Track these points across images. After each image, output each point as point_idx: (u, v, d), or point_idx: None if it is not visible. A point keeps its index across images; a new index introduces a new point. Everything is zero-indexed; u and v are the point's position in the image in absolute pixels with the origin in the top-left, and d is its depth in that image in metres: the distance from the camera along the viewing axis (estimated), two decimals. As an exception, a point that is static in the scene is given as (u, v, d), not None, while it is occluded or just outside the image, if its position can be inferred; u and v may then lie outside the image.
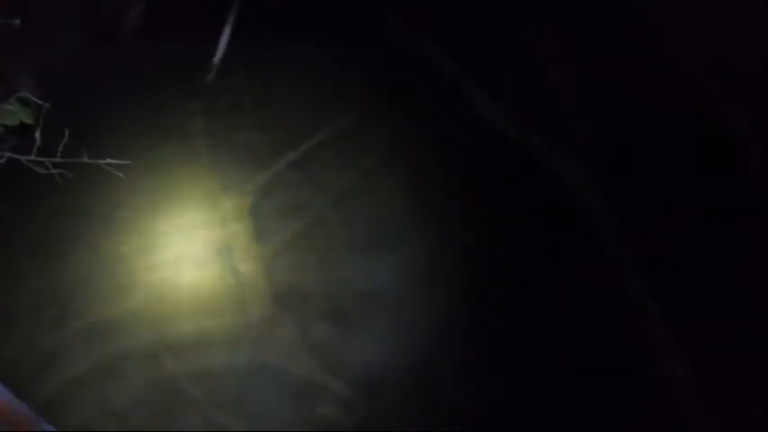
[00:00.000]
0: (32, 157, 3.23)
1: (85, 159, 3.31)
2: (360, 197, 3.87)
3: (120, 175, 3.36)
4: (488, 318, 3.39)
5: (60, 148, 3.24)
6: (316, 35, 4.47)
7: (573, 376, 3.17)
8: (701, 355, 3.17)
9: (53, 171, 3.26)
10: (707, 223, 3.49)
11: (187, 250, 3.55)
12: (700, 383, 3.11)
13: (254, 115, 4.19)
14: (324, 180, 3.93)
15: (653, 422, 3.07)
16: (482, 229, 3.71)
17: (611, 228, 3.58)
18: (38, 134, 3.24)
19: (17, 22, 3.31)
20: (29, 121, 3.24)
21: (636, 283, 3.40)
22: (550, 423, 3.06)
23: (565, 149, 3.87)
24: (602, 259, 3.51)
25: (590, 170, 3.76)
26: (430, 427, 3.09)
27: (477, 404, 3.17)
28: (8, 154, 3.22)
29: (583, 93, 4.06)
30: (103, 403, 3.10)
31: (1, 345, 3.17)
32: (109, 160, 3.35)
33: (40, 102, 3.28)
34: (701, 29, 4.02)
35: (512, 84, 4.22)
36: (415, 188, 3.90)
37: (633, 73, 4.06)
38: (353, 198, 3.86)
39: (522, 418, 3.07)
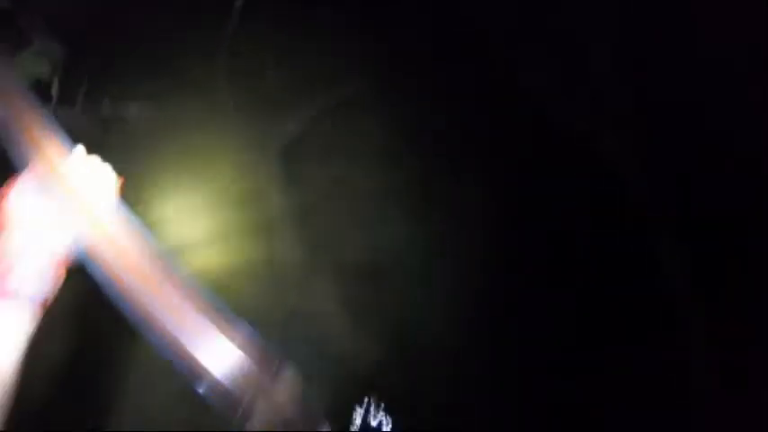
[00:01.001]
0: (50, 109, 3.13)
1: (107, 111, 3.21)
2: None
3: (142, 126, 3.27)
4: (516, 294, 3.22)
5: (80, 100, 3.14)
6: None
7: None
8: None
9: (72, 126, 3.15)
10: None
11: (217, 204, 3.42)
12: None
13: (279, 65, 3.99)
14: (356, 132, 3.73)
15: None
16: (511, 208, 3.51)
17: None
18: (55, 88, 3.13)
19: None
20: (45, 74, 3.12)
21: (680, 278, 3.19)
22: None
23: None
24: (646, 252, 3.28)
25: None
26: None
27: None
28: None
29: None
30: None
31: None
32: (130, 111, 3.24)
33: (56, 55, 3.14)
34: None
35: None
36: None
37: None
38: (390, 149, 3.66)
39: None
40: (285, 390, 1.31)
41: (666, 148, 3.47)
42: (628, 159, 3.52)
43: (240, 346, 1.30)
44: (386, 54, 4.00)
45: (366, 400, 2.76)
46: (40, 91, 3.17)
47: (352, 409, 2.76)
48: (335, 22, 4.15)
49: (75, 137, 2.94)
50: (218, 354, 1.27)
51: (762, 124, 3.18)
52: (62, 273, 1.37)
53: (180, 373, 1.15)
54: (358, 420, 2.75)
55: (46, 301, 1.33)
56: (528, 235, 3.42)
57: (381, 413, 2.74)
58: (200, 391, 1.27)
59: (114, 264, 1.31)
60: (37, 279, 1.30)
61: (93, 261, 1.32)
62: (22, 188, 1.32)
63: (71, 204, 1.32)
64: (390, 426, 2.74)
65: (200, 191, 3.47)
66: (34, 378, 1.27)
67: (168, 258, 1.36)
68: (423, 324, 3.13)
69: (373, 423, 2.75)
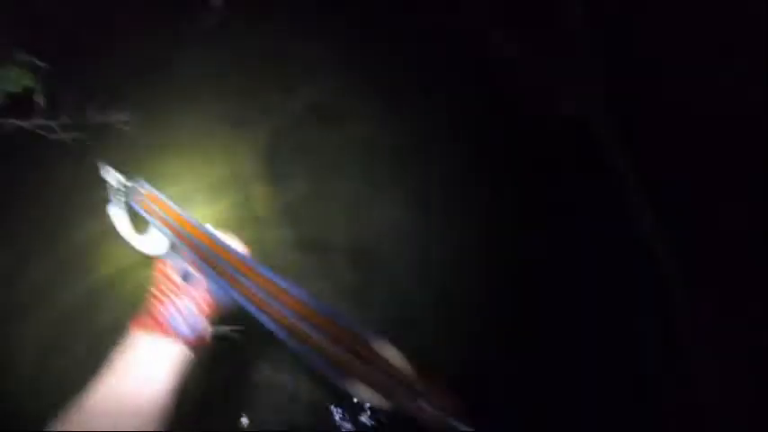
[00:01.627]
0: (40, 121, 3.13)
1: (93, 117, 3.21)
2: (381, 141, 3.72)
3: (127, 129, 3.26)
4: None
5: (66, 109, 3.14)
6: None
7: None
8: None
9: (62, 136, 3.16)
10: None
11: (208, 199, 3.44)
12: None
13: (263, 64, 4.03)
14: (342, 122, 3.78)
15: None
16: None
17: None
18: (41, 97, 3.12)
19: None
20: (31, 84, 3.11)
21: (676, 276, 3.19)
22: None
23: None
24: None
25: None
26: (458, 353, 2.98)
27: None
28: (12, 120, 3.13)
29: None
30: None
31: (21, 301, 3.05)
32: (117, 116, 3.25)
33: (39, 63, 3.13)
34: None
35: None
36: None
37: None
38: (374, 141, 3.72)
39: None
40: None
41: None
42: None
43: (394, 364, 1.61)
44: (373, 52, 4.04)
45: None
46: (27, 102, 3.16)
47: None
48: (323, 20, 4.19)
49: (64, 146, 2.96)
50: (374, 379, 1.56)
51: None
52: (215, 315, 1.63)
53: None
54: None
55: (200, 340, 1.54)
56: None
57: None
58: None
59: (262, 307, 1.62)
60: (192, 320, 1.53)
61: (244, 306, 1.63)
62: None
63: (220, 258, 1.67)
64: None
65: (191, 195, 3.48)
66: (185, 412, 1.39)
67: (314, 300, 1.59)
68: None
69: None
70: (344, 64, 4.04)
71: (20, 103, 3.34)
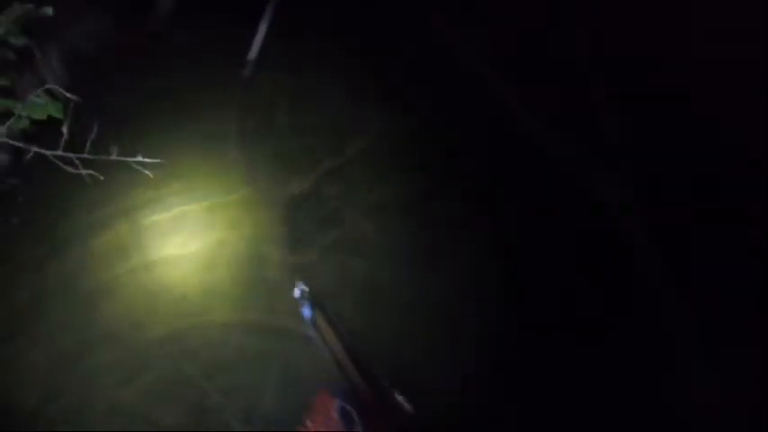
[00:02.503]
0: (59, 153, 3.06)
1: (114, 156, 3.15)
2: (396, 210, 3.66)
3: (150, 174, 3.20)
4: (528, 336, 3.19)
5: (88, 144, 3.08)
6: (348, 42, 4.29)
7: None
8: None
9: (81, 171, 3.09)
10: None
11: (218, 257, 3.34)
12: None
13: (287, 120, 3.99)
14: (359, 191, 3.72)
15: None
16: (522, 248, 3.51)
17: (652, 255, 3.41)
18: (65, 128, 3.06)
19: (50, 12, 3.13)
20: (57, 115, 3.06)
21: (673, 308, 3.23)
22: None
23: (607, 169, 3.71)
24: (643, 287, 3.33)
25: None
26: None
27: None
28: (35, 149, 3.06)
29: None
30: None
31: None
32: (139, 158, 3.18)
33: (68, 94, 3.08)
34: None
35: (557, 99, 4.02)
36: (453, 203, 3.72)
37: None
38: (390, 210, 3.66)
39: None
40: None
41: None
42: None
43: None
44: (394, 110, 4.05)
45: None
46: (49, 131, 3.11)
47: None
48: (347, 81, 4.19)
49: (81, 182, 2.89)
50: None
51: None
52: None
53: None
54: None
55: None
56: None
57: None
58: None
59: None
60: None
61: None
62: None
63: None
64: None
65: (207, 244, 3.40)
66: None
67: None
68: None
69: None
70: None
71: (44, 133, 3.31)
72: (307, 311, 2.65)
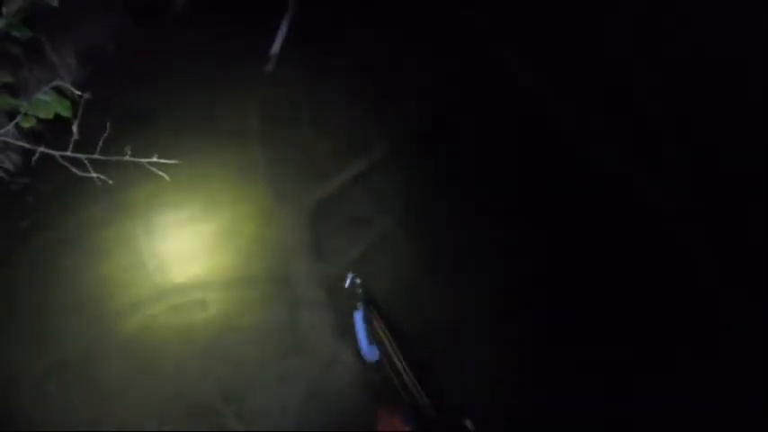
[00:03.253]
0: (68, 153, 2.84)
1: (128, 157, 2.92)
2: (426, 216, 3.42)
3: (165, 176, 2.97)
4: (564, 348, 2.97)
5: (100, 144, 2.85)
6: (375, 40, 4.10)
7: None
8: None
9: (92, 174, 2.86)
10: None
11: (237, 267, 3.10)
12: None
13: (311, 120, 3.73)
14: (388, 196, 3.46)
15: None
16: (556, 256, 3.27)
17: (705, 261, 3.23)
18: (75, 127, 2.84)
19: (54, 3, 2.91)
20: (65, 113, 2.84)
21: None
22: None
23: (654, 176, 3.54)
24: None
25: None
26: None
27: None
28: (42, 149, 2.84)
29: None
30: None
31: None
32: (154, 158, 2.95)
33: (78, 92, 2.86)
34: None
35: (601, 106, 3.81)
36: (486, 210, 3.45)
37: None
38: (420, 217, 3.41)
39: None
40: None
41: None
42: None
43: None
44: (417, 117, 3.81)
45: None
46: (59, 129, 2.89)
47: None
48: (371, 82, 3.95)
49: (92, 183, 2.67)
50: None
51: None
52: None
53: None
54: None
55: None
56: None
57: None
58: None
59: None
60: None
61: None
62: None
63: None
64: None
65: (224, 245, 3.17)
66: None
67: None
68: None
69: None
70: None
71: (52, 133, 3.11)
72: (359, 307, 2.59)
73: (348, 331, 2.84)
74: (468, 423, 2.06)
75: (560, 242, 3.28)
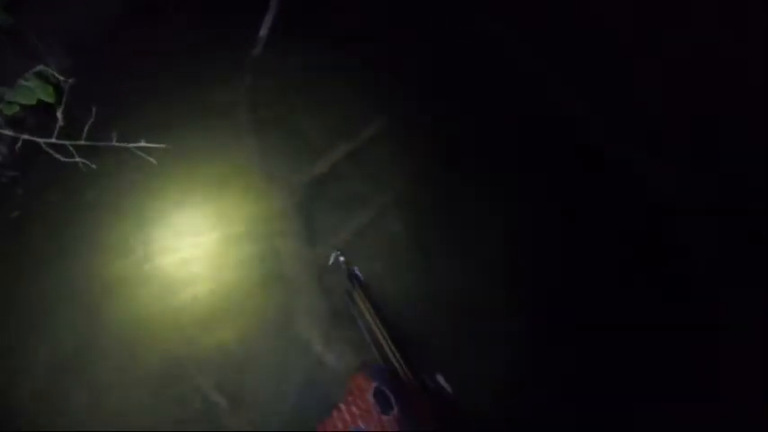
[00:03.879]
0: (53, 140, 2.79)
1: (114, 142, 2.87)
2: (421, 196, 3.35)
3: (153, 160, 2.93)
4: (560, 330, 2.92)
5: (85, 130, 2.80)
6: (369, 20, 4.01)
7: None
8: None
9: (77, 159, 2.82)
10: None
11: (227, 251, 3.06)
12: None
13: (303, 98, 3.66)
14: (383, 175, 3.40)
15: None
16: (558, 238, 3.21)
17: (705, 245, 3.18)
18: (60, 114, 2.79)
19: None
20: (49, 99, 2.78)
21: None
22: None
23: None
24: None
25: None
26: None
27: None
28: (25, 136, 2.80)
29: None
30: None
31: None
32: (142, 143, 2.90)
33: (61, 77, 2.81)
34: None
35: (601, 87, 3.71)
36: (483, 190, 3.39)
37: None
38: (415, 196, 3.34)
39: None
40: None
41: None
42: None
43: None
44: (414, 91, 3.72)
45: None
46: (44, 115, 2.85)
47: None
48: (361, 59, 3.87)
49: (76, 170, 2.62)
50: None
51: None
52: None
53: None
54: None
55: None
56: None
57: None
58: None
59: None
60: None
61: None
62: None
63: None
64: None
65: (214, 231, 3.12)
66: None
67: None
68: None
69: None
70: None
71: (36, 119, 3.06)
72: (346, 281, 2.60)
73: (341, 315, 2.81)
74: (441, 379, 2.05)
75: (558, 233, 3.23)
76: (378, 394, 1.91)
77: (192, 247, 3.07)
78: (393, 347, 2.19)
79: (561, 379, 2.78)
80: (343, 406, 1.92)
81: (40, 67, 2.81)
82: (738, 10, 3.46)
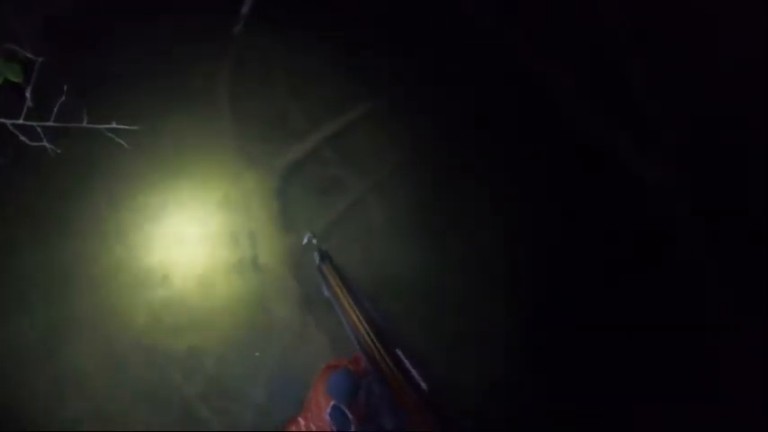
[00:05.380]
0: (20, 121, 2.69)
1: (84, 123, 2.77)
2: (401, 181, 3.30)
3: (124, 143, 2.83)
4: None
5: (55, 111, 2.69)
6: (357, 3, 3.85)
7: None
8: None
9: (45, 144, 2.72)
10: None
11: (202, 237, 2.98)
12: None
13: (285, 81, 3.55)
14: (362, 161, 3.34)
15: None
16: (551, 233, 3.18)
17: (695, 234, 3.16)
18: (28, 94, 2.68)
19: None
20: (16, 78, 2.68)
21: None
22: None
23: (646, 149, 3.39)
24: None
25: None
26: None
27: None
28: (-11, 118, 2.69)
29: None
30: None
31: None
32: (113, 125, 2.80)
33: (30, 56, 2.70)
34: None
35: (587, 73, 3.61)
36: (466, 179, 3.35)
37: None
38: (394, 181, 3.29)
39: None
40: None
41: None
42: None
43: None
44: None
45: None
46: (12, 95, 2.74)
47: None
48: (346, 42, 3.76)
49: (42, 152, 2.53)
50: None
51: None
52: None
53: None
54: None
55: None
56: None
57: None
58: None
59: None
60: None
61: None
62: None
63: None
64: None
65: (189, 215, 3.05)
66: None
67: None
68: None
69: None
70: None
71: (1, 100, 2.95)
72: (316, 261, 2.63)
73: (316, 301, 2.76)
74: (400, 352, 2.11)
75: (551, 227, 3.21)
76: (334, 412, 1.92)
77: (165, 230, 3.00)
78: (367, 327, 2.21)
79: (561, 379, 2.79)
80: (301, 421, 1.93)
81: (6, 45, 2.70)
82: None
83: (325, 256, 2.64)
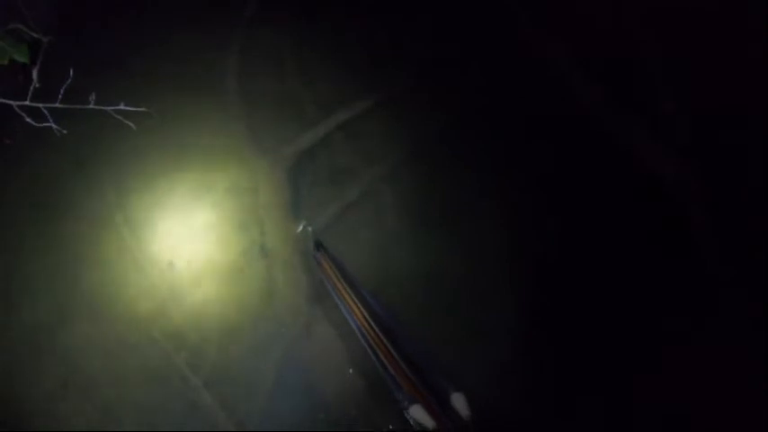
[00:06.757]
0: (27, 103, 2.65)
1: (91, 105, 2.72)
2: (412, 173, 3.23)
3: (132, 125, 2.78)
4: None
5: (62, 92, 2.65)
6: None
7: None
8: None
9: (51, 124, 2.67)
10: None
11: (210, 224, 2.93)
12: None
13: (297, 69, 3.48)
14: (373, 150, 3.27)
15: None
16: (558, 225, 3.11)
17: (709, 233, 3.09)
18: (35, 74, 2.64)
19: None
20: (22, 59, 2.64)
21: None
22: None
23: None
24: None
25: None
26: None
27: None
28: (-6, 98, 2.65)
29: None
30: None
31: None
32: (121, 106, 2.75)
33: (37, 35, 2.65)
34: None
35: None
36: (477, 170, 3.27)
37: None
38: (405, 170, 3.23)
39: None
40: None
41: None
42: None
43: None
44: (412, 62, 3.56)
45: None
46: (18, 75, 2.70)
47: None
48: (359, 32, 3.69)
49: (49, 134, 2.49)
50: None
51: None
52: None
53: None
54: None
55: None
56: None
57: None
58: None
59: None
60: None
61: None
62: None
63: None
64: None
65: (198, 200, 3.00)
66: None
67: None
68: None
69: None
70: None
71: (8, 80, 2.91)
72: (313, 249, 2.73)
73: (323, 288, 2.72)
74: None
75: (558, 220, 3.14)
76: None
77: (174, 216, 2.95)
78: (365, 313, 2.31)
79: (566, 375, 2.75)
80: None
81: (13, 25, 2.66)
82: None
83: (320, 245, 2.70)
